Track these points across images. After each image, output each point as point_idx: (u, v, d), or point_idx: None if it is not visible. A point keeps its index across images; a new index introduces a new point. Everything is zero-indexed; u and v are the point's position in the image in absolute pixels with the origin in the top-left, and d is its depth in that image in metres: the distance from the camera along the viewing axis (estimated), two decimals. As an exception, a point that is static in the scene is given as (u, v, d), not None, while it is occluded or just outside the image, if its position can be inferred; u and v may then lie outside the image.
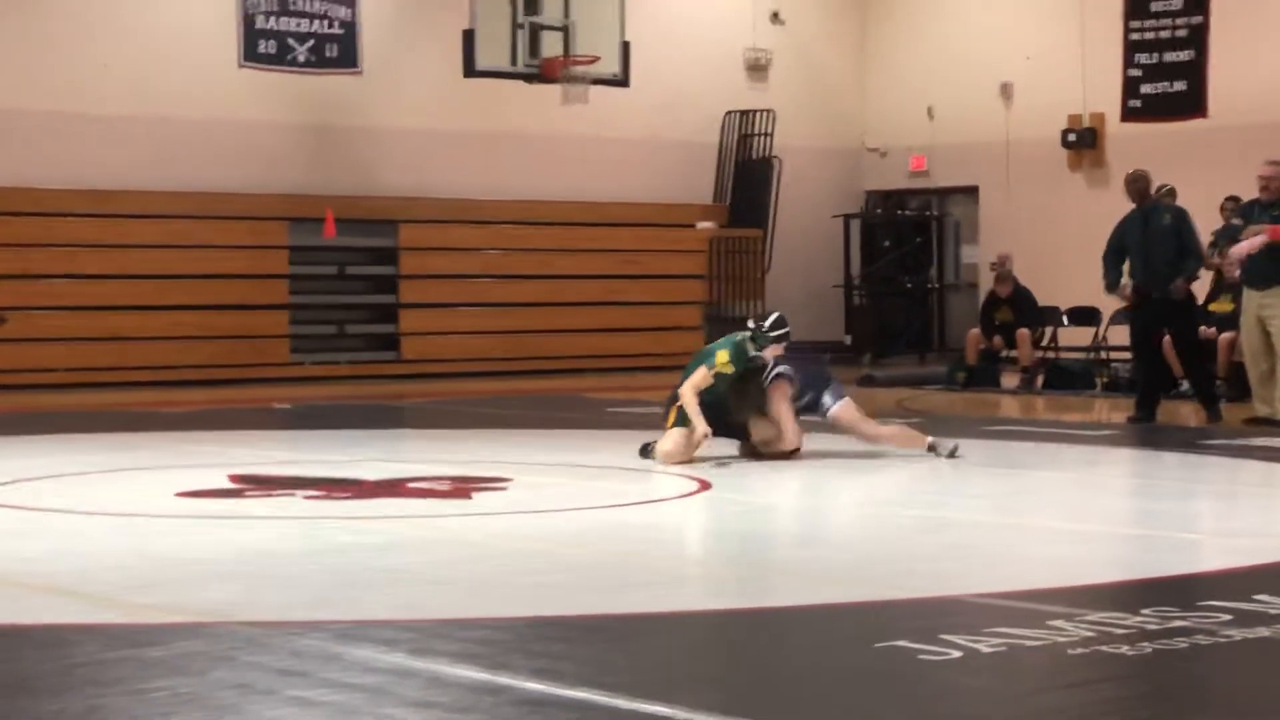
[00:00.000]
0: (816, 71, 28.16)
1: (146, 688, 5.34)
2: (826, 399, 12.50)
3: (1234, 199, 19.06)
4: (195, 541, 8.64)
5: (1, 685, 5.43)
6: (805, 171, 27.48)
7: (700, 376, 11.99)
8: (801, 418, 12.33)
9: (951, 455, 12.18)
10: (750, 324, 12.35)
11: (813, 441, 12.52)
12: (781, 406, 12.15)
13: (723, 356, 12.03)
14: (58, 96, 21.80)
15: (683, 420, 11.90)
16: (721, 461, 11.93)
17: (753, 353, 12.12)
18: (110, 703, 5.16)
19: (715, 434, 11.79)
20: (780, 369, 12.22)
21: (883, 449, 12.51)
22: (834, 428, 12.55)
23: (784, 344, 12.21)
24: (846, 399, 12.57)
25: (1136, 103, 24.38)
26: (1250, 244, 15.36)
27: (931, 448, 12.27)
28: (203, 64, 22.47)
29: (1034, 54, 26.59)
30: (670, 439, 11.95)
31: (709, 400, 11.91)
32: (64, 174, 21.81)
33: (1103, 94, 25.29)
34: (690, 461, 11.77)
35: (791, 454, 12.07)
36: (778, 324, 12.15)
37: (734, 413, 12.09)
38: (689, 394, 11.90)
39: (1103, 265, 16.23)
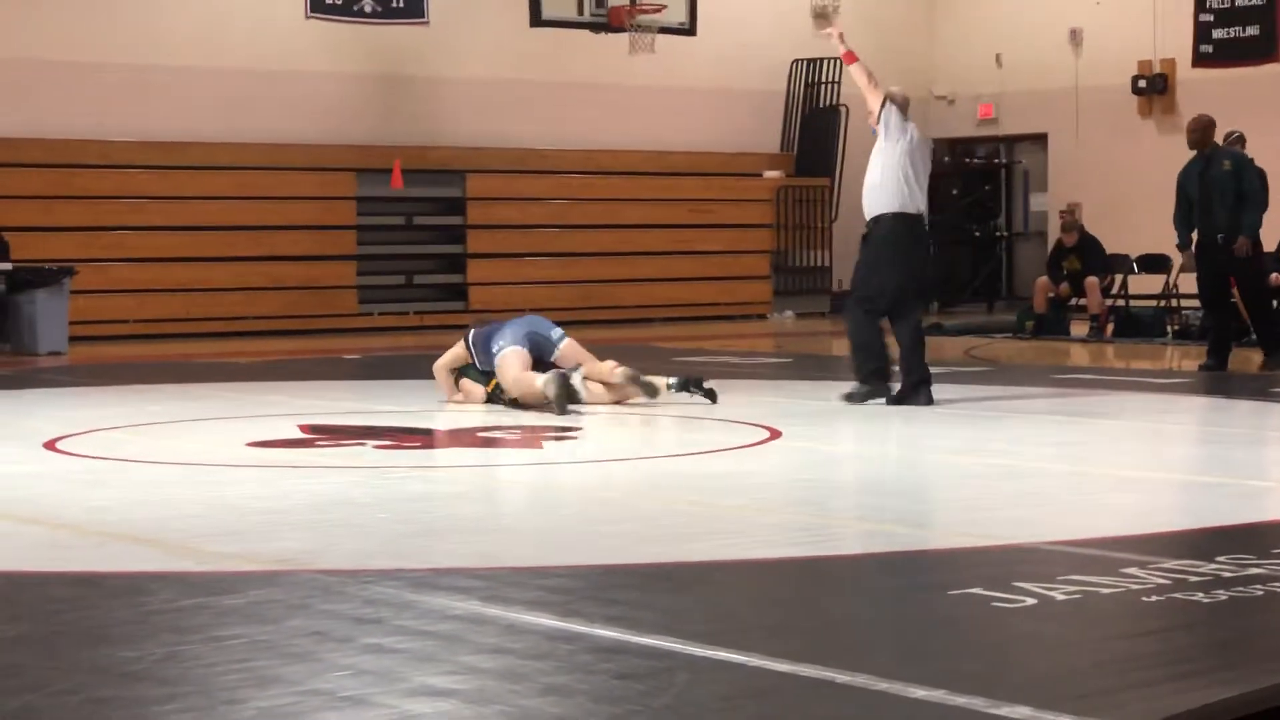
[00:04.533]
0: (884, 19, 28.01)
1: (223, 635, 5.37)
2: (553, 335, 12.67)
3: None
4: (268, 491, 8.68)
5: (80, 633, 5.47)
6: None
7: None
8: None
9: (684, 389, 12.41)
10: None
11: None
12: (509, 376, 12.38)
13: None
14: (126, 49, 21.88)
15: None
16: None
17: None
18: (187, 650, 5.19)
19: None
20: (498, 346, 12.49)
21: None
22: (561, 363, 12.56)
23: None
24: (568, 338, 12.71)
25: (1208, 48, 24.17)
26: None
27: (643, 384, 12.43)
28: (270, 15, 22.51)
29: (1103, -1, 26.39)
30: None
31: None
32: (133, 126, 21.90)
33: (1173, 39, 25.10)
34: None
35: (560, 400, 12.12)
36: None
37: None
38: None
39: (1174, 221, 16.08)
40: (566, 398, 11.87)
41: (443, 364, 12.84)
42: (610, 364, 12.56)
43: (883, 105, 12.53)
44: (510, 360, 12.33)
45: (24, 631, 5.52)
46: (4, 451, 10.73)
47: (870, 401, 12.40)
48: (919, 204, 12.52)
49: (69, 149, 21.48)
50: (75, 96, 21.60)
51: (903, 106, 12.64)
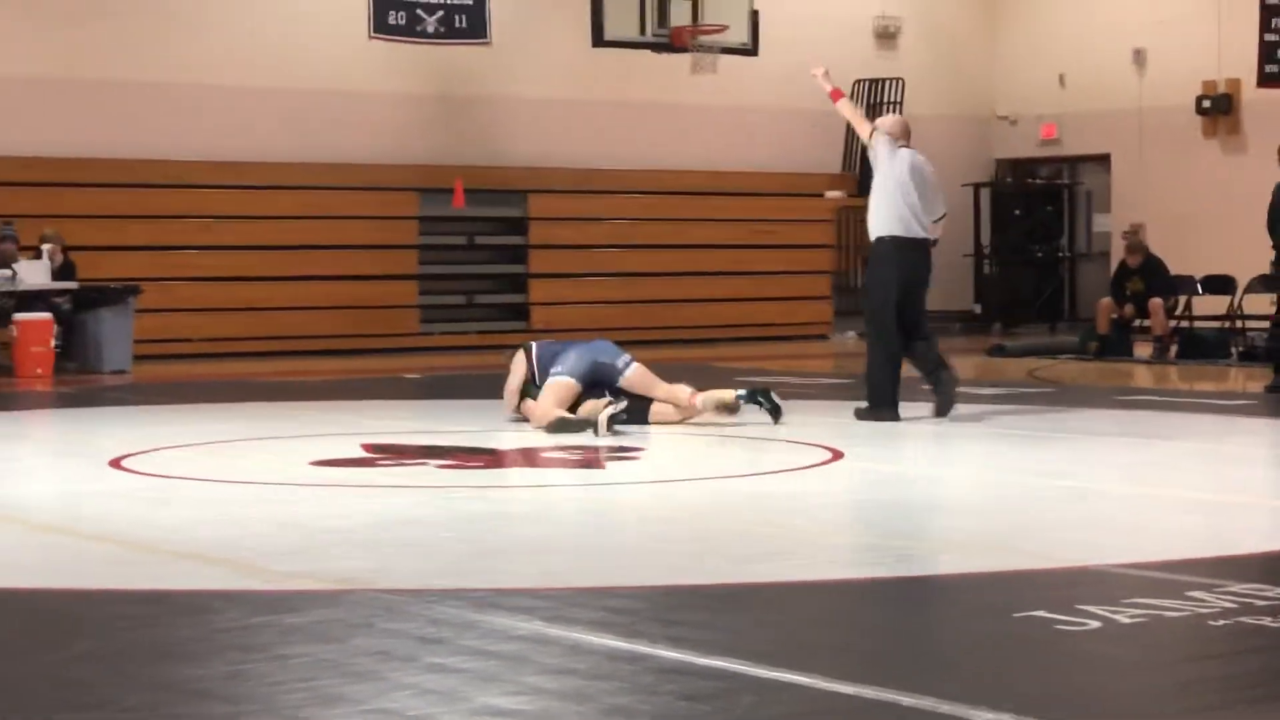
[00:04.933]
0: (946, 39, 27.98)
1: (287, 654, 5.40)
2: (619, 362, 12.64)
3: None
4: (331, 510, 8.70)
5: (147, 650, 5.50)
6: (934, 140, 27.24)
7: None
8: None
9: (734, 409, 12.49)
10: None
11: (929, 417, 12.45)
12: (540, 406, 12.39)
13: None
14: (192, 70, 22.02)
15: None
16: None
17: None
18: (252, 669, 5.22)
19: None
20: (555, 370, 12.50)
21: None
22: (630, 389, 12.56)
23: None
24: (636, 364, 12.67)
25: (1274, 67, 23.99)
26: None
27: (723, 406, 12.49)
28: (334, 36, 22.62)
29: (1167, 19, 26.29)
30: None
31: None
32: (198, 146, 22.03)
33: (1238, 59, 24.96)
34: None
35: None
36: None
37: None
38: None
39: (1271, 239, 15.89)
40: (562, 430, 11.92)
41: (513, 388, 12.83)
42: (686, 391, 12.54)
43: (871, 136, 13.03)
44: (554, 389, 12.33)
45: (91, 648, 5.56)
46: (70, 470, 10.83)
47: (879, 421, 12.72)
48: (919, 227, 12.97)
49: (135, 169, 21.61)
50: (141, 116, 21.73)
51: (895, 134, 13.05)
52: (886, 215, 12.92)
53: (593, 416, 11.95)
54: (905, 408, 12.82)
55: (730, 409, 12.42)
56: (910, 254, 12.96)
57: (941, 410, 12.83)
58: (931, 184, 13.08)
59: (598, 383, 12.43)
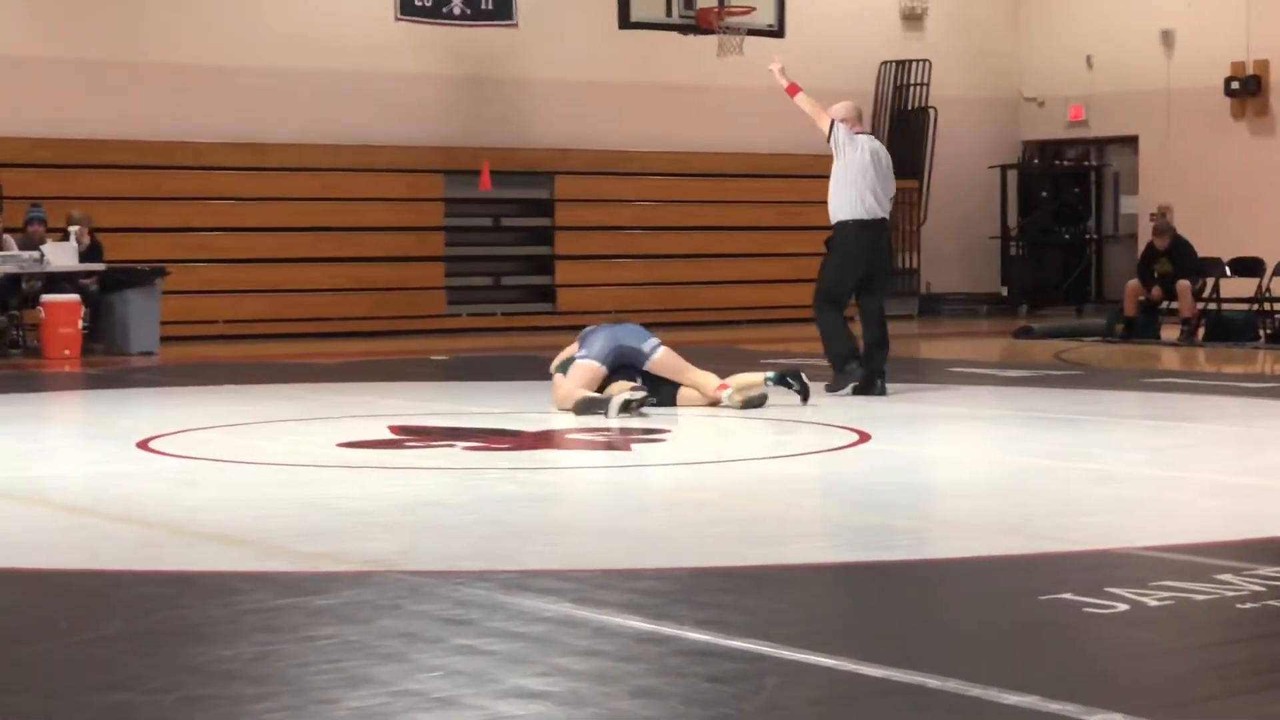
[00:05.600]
0: (973, 20, 27.90)
1: (315, 635, 5.40)
2: (645, 346, 12.61)
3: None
4: (358, 492, 8.71)
5: (174, 631, 5.52)
6: (961, 122, 27.27)
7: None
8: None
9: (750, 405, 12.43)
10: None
11: (956, 400, 12.43)
12: (563, 388, 12.38)
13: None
14: (217, 52, 22.04)
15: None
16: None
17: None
18: (280, 649, 5.22)
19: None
20: (582, 353, 12.49)
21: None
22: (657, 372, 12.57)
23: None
24: (664, 348, 12.65)
25: (1302, 50, 23.90)
26: None
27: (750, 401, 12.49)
28: (360, 17, 22.62)
29: (1196, 0, 26.18)
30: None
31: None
32: (223, 128, 22.06)
33: (1268, 40, 24.88)
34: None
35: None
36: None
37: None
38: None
39: None
40: (587, 410, 11.91)
41: (565, 351, 12.82)
42: (714, 380, 12.52)
43: (831, 127, 13.58)
44: (577, 372, 12.33)
45: (120, 629, 5.57)
46: (98, 451, 10.85)
47: (849, 385, 13.21)
48: (879, 209, 13.58)
49: (161, 150, 21.65)
50: (167, 99, 21.76)
51: (851, 120, 13.73)
52: (849, 199, 13.53)
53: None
54: (926, 390, 12.79)
55: (755, 404, 12.39)
56: (872, 235, 13.55)
57: (863, 389, 13.24)
58: (887, 166, 13.74)
59: (624, 366, 12.42)
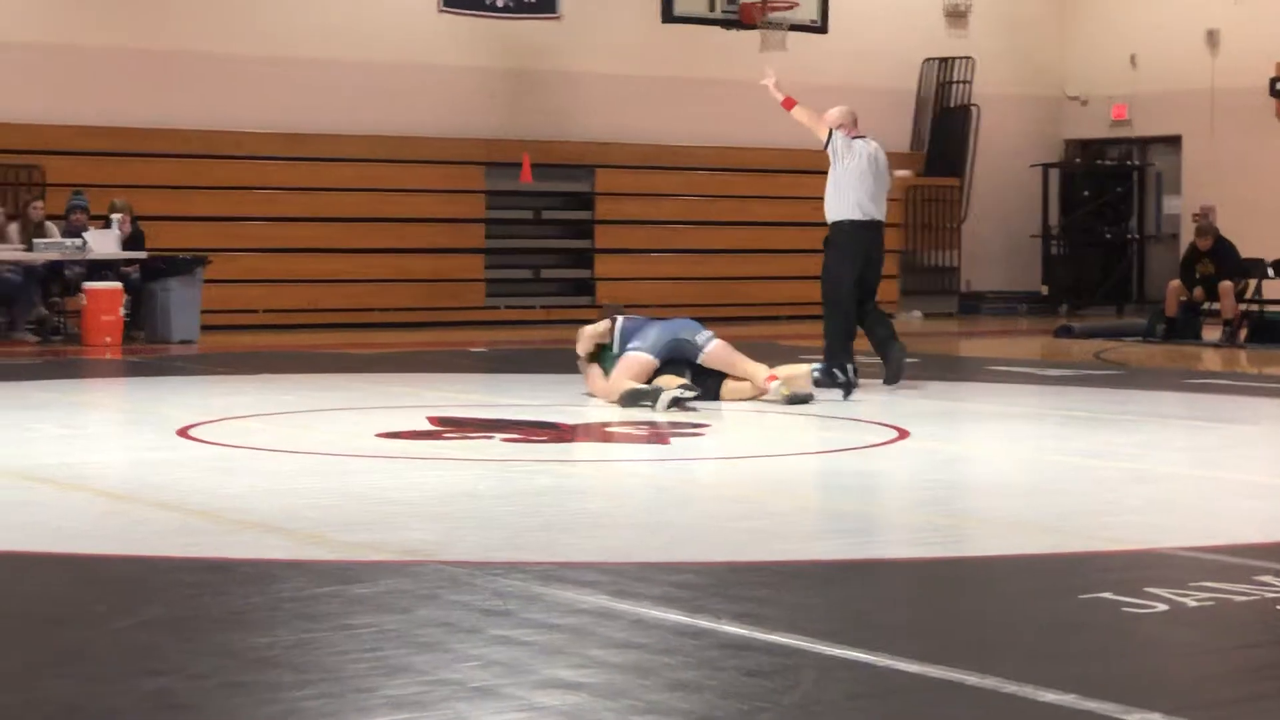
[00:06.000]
0: (1017, 18, 27.83)
1: (353, 624, 5.42)
2: (698, 338, 12.64)
3: None
4: (397, 482, 8.73)
5: (214, 618, 5.54)
6: (1004, 120, 27.20)
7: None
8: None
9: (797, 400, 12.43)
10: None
11: (995, 398, 12.40)
12: (610, 381, 12.43)
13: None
14: (260, 42, 22.09)
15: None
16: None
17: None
18: (318, 637, 5.24)
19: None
20: (634, 344, 12.46)
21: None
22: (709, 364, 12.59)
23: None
24: (717, 340, 12.68)
25: (1349, 51, 23.79)
26: None
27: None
28: (402, 8, 22.66)
29: None
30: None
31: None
32: (265, 118, 22.11)
33: (1313, 41, 24.76)
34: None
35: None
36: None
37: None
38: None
39: None
40: (634, 401, 11.92)
41: (586, 333, 12.81)
42: (765, 371, 12.52)
43: (829, 135, 13.79)
44: (628, 364, 12.33)
45: (159, 615, 5.59)
46: (138, 438, 10.89)
47: (840, 391, 13.01)
48: (875, 213, 13.77)
49: (203, 139, 21.72)
50: (209, 88, 21.82)
51: (848, 125, 13.91)
52: (845, 201, 13.71)
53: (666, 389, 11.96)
54: (965, 387, 12.77)
55: (801, 400, 12.38)
56: (867, 235, 13.73)
57: (891, 379, 13.48)
58: (884, 166, 13.85)
59: (677, 359, 12.42)
